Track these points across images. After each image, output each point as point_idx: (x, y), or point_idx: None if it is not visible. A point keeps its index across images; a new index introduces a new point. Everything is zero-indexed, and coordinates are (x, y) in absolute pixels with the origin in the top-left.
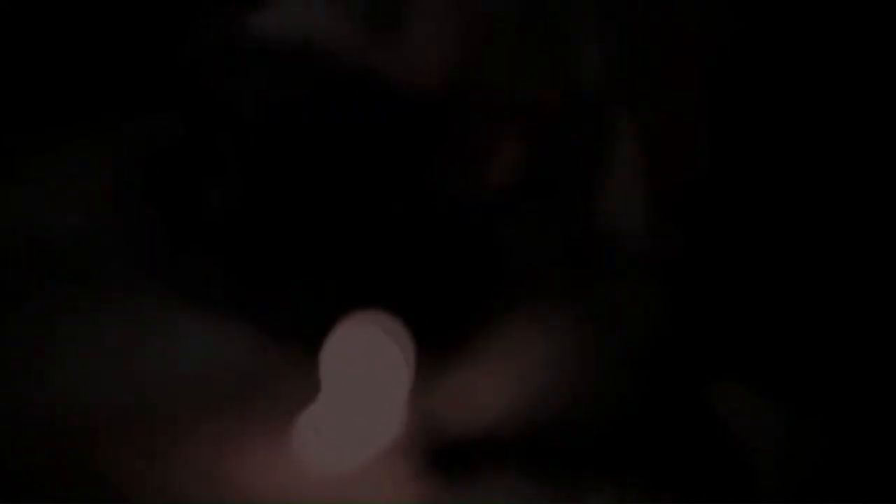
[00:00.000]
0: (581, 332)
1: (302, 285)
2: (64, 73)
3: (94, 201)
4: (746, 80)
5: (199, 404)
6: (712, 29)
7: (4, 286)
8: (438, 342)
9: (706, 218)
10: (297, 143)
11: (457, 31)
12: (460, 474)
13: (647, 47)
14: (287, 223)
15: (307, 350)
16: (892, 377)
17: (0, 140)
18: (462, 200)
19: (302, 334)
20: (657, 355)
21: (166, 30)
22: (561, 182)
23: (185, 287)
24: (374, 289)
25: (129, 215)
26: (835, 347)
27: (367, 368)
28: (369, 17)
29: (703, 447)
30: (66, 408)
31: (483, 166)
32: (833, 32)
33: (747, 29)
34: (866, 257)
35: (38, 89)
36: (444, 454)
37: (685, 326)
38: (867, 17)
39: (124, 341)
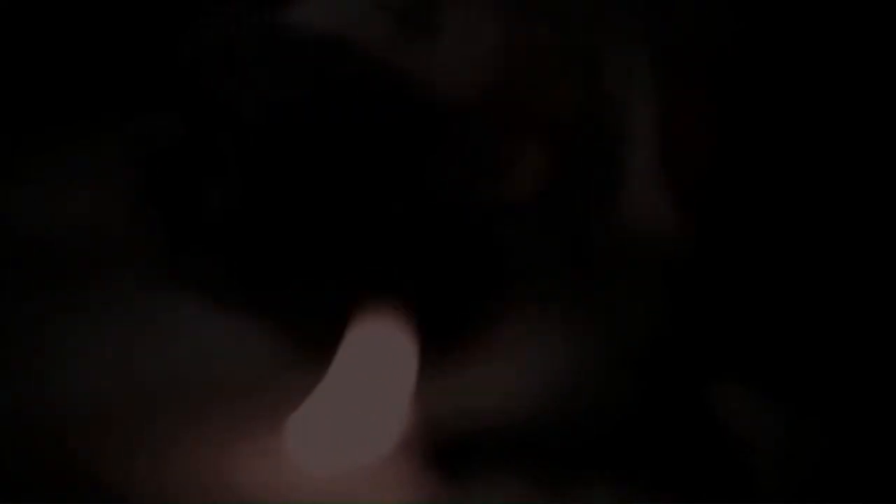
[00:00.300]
0: (581, 332)
1: (303, 285)
2: (64, 73)
3: (94, 201)
4: (752, 83)
5: (200, 404)
6: (723, 28)
7: (4, 286)
8: (439, 342)
9: (706, 219)
10: (297, 143)
11: (487, 38)
12: (460, 474)
13: (664, 52)
14: (288, 223)
15: (308, 349)
16: (892, 377)
17: (0, 140)
18: (465, 201)
19: (303, 334)
20: (657, 355)
21: (166, 30)
22: (565, 184)
23: (186, 287)
24: (375, 288)
25: (129, 215)
26: (835, 347)
27: (369, 367)
28: (396, 16)
29: (703, 447)
30: (66, 408)
31: (492, 169)
32: (841, 26)
33: (756, 27)
34: (867, 257)
35: (38, 89)
36: (444, 453)
37: (685, 326)
38: (868, 16)
39: (124, 341)
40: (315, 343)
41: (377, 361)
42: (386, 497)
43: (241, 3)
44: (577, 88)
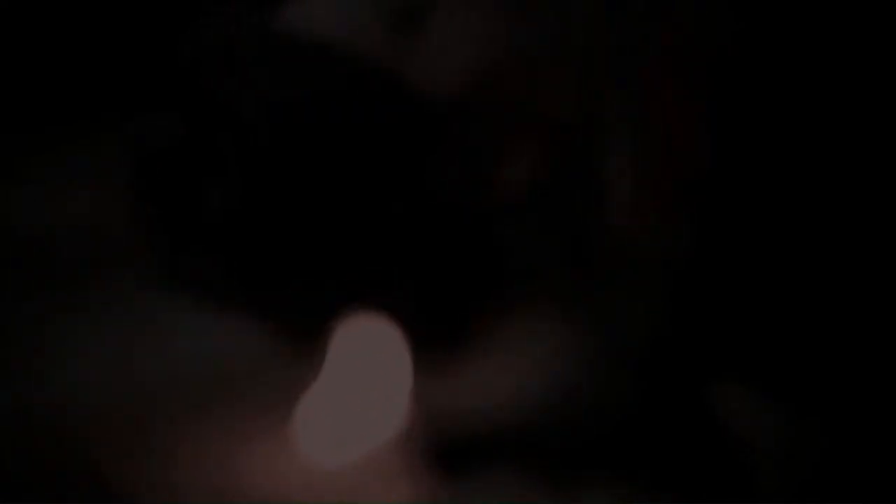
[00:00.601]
0: (581, 332)
1: (302, 285)
2: (64, 73)
3: (94, 201)
4: (749, 82)
5: (199, 403)
6: (714, 28)
7: (4, 286)
8: (439, 340)
9: (706, 218)
10: (297, 143)
11: (476, 37)
12: (460, 473)
13: (651, 48)
14: (287, 223)
15: (308, 348)
16: (892, 377)
17: (0, 140)
18: (464, 200)
19: (302, 333)
20: (657, 355)
21: (166, 30)
22: (564, 184)
23: (185, 287)
24: (374, 287)
25: (129, 215)
26: (835, 347)
27: (368, 365)
28: (392, 16)
29: (703, 447)
30: (66, 408)
31: (489, 169)
32: (833, 30)
33: (749, 28)
34: (866, 257)
35: (38, 89)
36: (444, 453)
37: (685, 326)
38: (867, 17)
39: (124, 341)
40: (315, 342)
41: (370, 354)
42: (386, 496)
43: (241, 3)
44: (573, 88)
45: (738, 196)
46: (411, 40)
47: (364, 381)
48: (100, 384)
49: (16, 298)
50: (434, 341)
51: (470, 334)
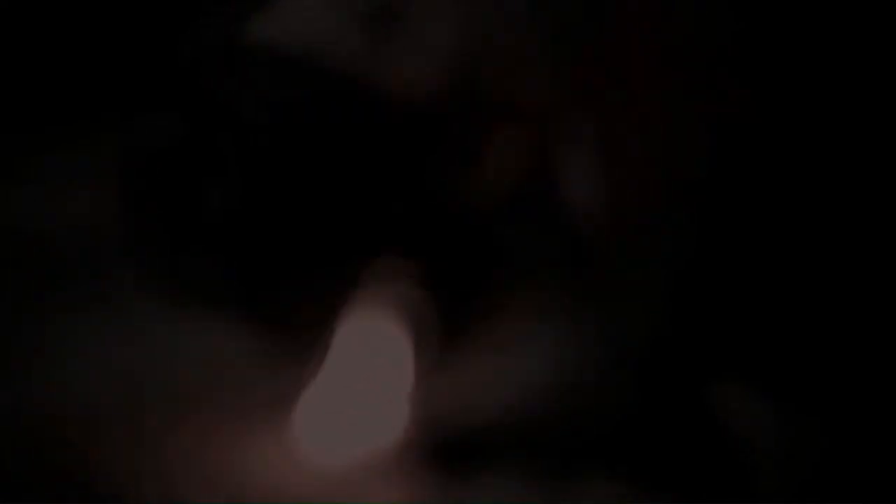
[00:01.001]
0: (581, 332)
1: (302, 285)
2: (64, 73)
3: (94, 201)
4: (749, 81)
5: (199, 403)
6: (714, 28)
7: (4, 286)
8: (440, 341)
9: (706, 218)
10: (296, 143)
11: (458, 35)
12: (460, 473)
13: (648, 45)
14: (287, 223)
15: (308, 348)
16: (892, 377)
17: (0, 140)
18: (462, 200)
19: (302, 333)
20: (657, 355)
21: (166, 30)
22: (562, 183)
23: (185, 287)
24: (373, 287)
25: (129, 215)
26: (835, 347)
27: (367, 364)
28: (370, 20)
29: (703, 447)
30: (67, 407)
31: (484, 167)
32: (833, 30)
33: (749, 28)
34: (866, 257)
35: (38, 89)
36: (444, 453)
37: (685, 326)
38: (867, 17)
39: (124, 341)
40: (315, 341)
41: (374, 354)
42: (386, 496)
43: (241, 4)
44: (566, 86)
45: (739, 196)
46: (388, 43)
47: (364, 381)
48: (99, 384)
49: (16, 298)
50: (434, 341)
51: (470, 334)
